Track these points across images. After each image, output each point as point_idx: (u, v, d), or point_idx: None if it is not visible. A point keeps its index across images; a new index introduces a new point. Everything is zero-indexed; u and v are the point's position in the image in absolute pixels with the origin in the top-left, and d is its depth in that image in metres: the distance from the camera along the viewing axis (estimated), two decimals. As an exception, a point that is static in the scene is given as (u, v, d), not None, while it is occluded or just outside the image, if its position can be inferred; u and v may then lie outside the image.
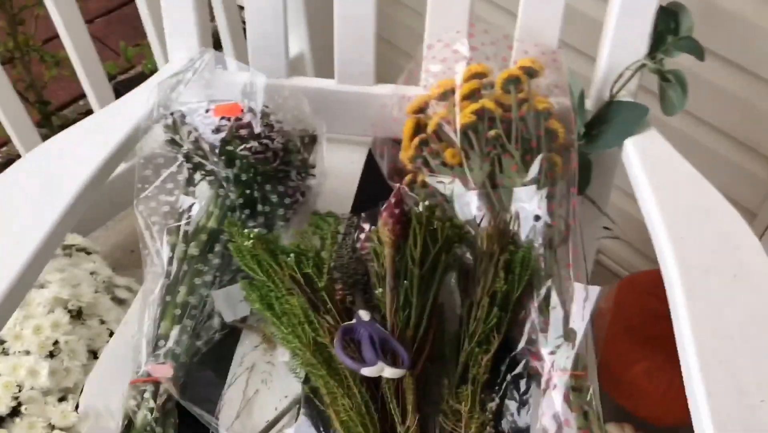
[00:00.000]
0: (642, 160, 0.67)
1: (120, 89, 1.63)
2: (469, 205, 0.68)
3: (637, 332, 0.95)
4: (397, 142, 0.78)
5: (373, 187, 0.77)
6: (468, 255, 0.66)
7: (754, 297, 0.54)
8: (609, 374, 0.96)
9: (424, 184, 0.74)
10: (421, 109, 0.76)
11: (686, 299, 0.54)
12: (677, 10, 0.73)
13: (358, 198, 0.78)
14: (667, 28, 0.73)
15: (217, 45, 1.22)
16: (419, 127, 0.76)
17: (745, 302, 0.54)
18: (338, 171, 0.78)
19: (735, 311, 0.53)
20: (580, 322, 0.58)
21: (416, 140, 0.74)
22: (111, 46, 1.75)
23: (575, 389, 0.56)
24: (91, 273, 0.89)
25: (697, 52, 0.71)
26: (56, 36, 1.02)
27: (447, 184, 0.71)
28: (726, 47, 0.92)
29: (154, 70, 1.04)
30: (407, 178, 0.76)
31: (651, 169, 0.66)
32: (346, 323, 0.57)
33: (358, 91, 0.82)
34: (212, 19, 1.21)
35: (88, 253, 0.93)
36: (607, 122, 0.73)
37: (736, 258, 0.58)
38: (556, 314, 0.59)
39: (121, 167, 0.71)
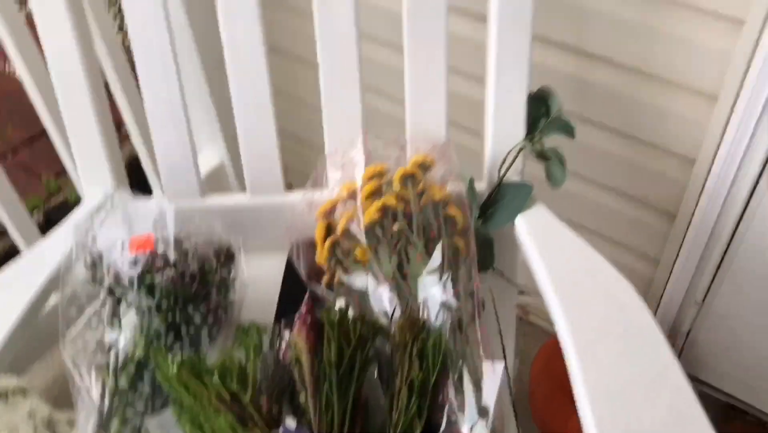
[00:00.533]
0: (531, 235, 0.73)
1: (51, 215, 1.65)
2: (381, 299, 0.72)
3: (568, 388, 0.99)
4: (313, 244, 0.82)
5: (294, 291, 0.81)
6: (387, 347, 0.70)
7: (640, 354, 0.60)
8: (550, 431, 1.00)
9: (341, 283, 0.78)
10: (330, 212, 0.82)
11: (580, 363, 0.59)
12: (545, 95, 0.81)
13: (281, 304, 0.81)
14: (539, 113, 0.81)
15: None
16: (330, 229, 0.80)
17: (632, 360, 0.59)
18: (260, 279, 0.81)
19: (623, 370, 0.59)
20: (491, 397, 0.62)
21: (328, 242, 0.79)
22: (39, 172, 1.78)
23: (496, 462, 0.60)
24: (29, 414, 0.88)
25: (568, 130, 0.79)
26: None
27: (361, 280, 0.75)
28: (603, 115, 1.01)
29: (78, 200, 1.07)
30: (325, 278, 0.80)
31: (539, 242, 0.72)
32: (272, 433, 0.60)
33: (270, 202, 0.86)
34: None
35: (25, 394, 0.93)
36: (498, 202, 0.79)
37: (622, 318, 0.63)
38: (469, 392, 0.63)
39: (53, 301, 0.73)
